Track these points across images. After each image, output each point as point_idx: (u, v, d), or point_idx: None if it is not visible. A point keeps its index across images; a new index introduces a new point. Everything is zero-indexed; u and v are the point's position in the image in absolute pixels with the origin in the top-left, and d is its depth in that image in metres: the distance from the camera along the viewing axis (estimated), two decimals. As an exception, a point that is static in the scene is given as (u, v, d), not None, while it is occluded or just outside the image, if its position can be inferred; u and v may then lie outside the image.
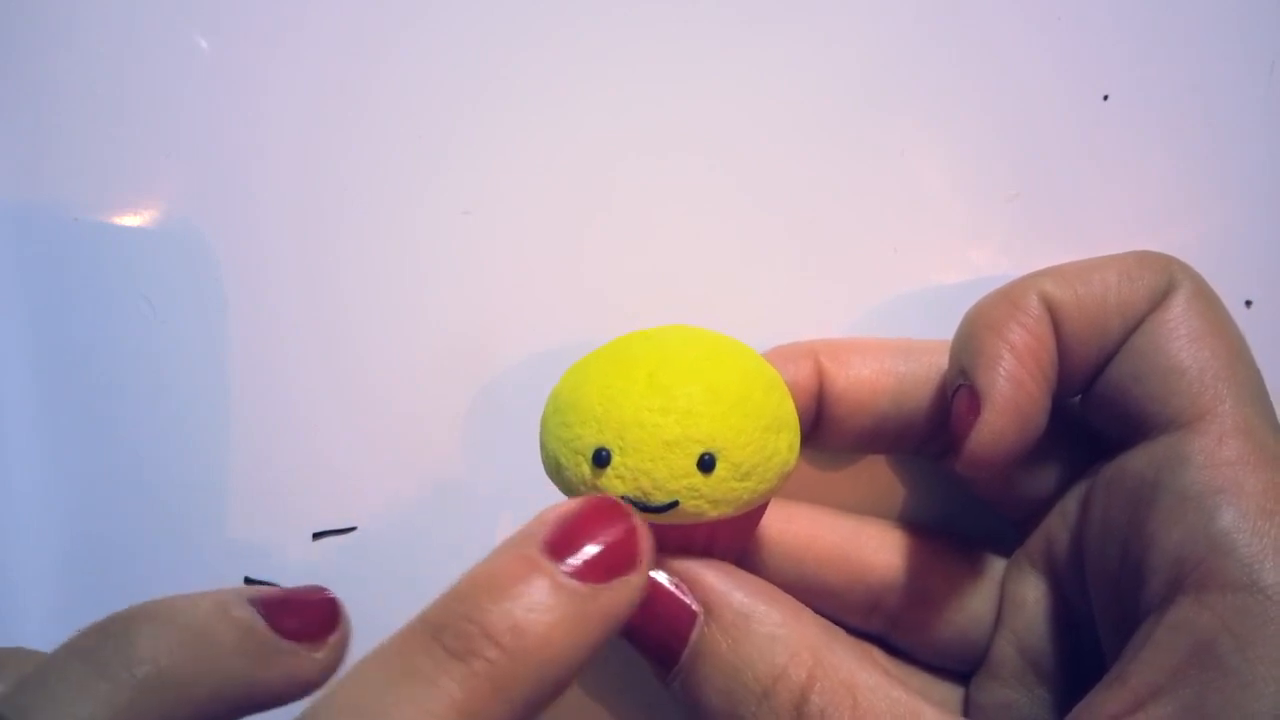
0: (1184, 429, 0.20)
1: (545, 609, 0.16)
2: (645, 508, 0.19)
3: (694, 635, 0.19)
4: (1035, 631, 0.23)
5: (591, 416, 0.20)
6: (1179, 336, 0.20)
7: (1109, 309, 0.21)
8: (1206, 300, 0.21)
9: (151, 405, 0.28)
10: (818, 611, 0.21)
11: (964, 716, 0.20)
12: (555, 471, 0.21)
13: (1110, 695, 0.18)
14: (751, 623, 0.19)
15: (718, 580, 0.20)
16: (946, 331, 0.25)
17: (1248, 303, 0.27)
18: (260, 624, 0.18)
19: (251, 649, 0.17)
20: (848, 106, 0.28)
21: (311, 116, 0.28)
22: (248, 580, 0.28)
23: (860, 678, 0.19)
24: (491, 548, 0.22)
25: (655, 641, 0.20)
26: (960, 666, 0.25)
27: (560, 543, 0.17)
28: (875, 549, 0.25)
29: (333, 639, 0.19)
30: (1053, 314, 0.21)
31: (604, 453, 0.19)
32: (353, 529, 0.28)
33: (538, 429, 0.22)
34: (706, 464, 0.19)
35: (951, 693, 0.25)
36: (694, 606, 0.20)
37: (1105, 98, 0.27)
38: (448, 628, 0.16)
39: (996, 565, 0.25)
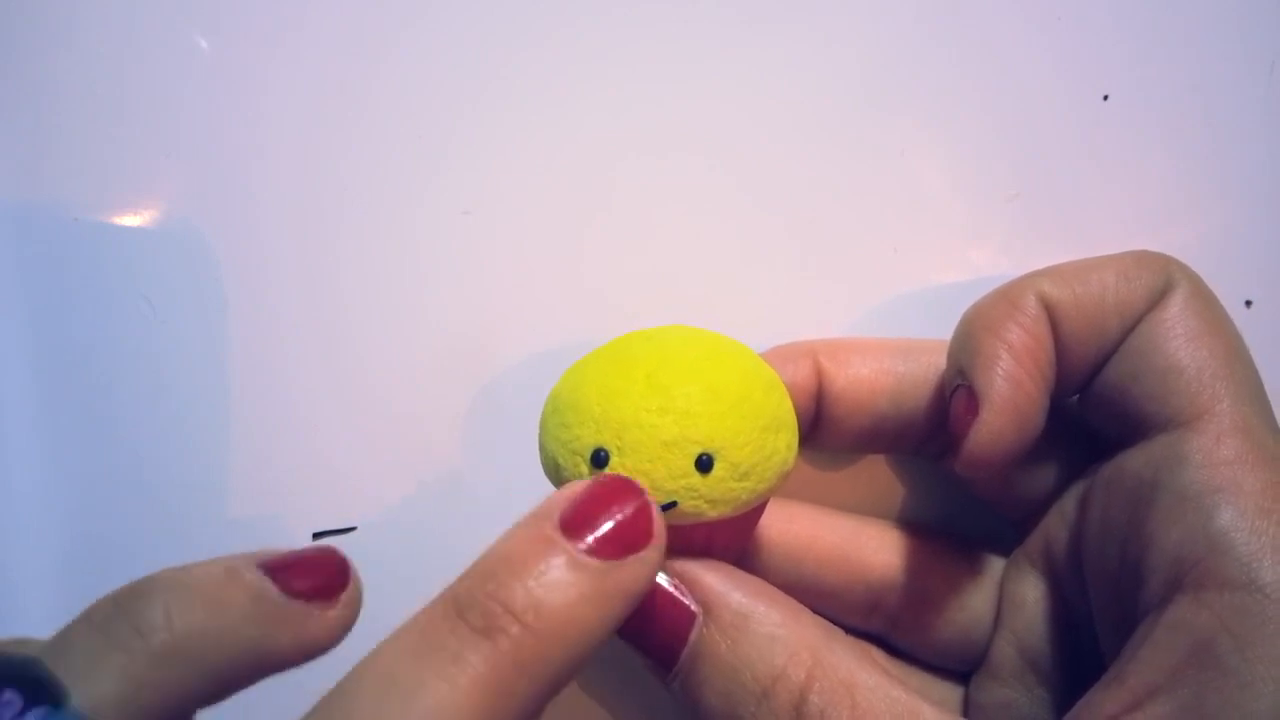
0: (1182, 428, 0.20)
1: (566, 585, 0.16)
2: None
3: (693, 636, 0.19)
4: (1035, 631, 0.23)
5: (590, 417, 0.20)
6: (1177, 336, 0.20)
7: (1107, 309, 0.21)
8: (1204, 300, 0.21)
9: (151, 405, 0.28)
10: (817, 612, 0.21)
11: (963, 716, 0.20)
12: (554, 472, 0.21)
13: (1109, 695, 0.18)
14: (750, 623, 0.19)
15: (716, 581, 0.20)
16: (946, 331, 0.25)
17: (1248, 303, 0.27)
18: (270, 587, 0.18)
19: (263, 613, 0.17)
20: (848, 106, 0.28)
21: (311, 116, 0.28)
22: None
23: (859, 677, 0.19)
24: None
25: (655, 642, 0.20)
26: (960, 666, 0.25)
27: (575, 521, 0.17)
28: (875, 549, 0.25)
29: (344, 596, 0.18)
30: (1051, 314, 0.21)
31: (602, 453, 0.19)
32: (353, 529, 0.28)
33: (537, 429, 0.22)
34: (705, 464, 0.19)
35: (951, 692, 0.25)
36: (693, 607, 0.20)
37: (1105, 98, 0.27)
38: (472, 606, 0.16)
39: (996, 565, 0.25)
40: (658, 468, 0.19)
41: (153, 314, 0.28)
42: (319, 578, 0.18)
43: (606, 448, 0.19)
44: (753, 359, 0.21)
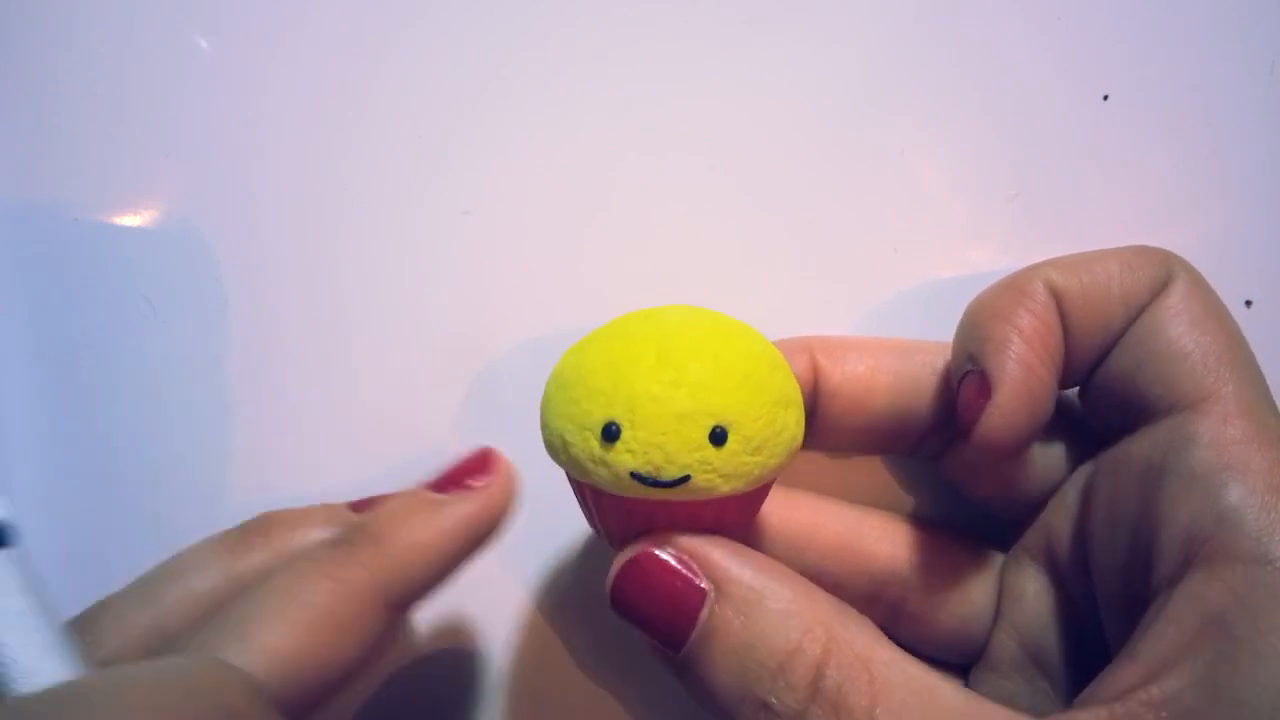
0: (1188, 411, 0.20)
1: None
2: (656, 482, 0.19)
3: (704, 614, 0.19)
4: (1035, 624, 0.23)
5: (599, 391, 0.20)
6: (1180, 322, 0.21)
7: (1112, 297, 0.21)
8: (1204, 290, 0.21)
9: (151, 405, 0.28)
10: None
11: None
12: (561, 449, 0.20)
13: (1122, 670, 0.18)
14: (763, 599, 0.19)
15: (726, 557, 0.19)
16: (947, 331, 0.25)
17: (1248, 303, 0.27)
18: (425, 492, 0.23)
19: (418, 507, 0.22)
20: (848, 106, 0.28)
21: (311, 116, 0.28)
22: None
23: (875, 652, 0.19)
24: (490, 548, 0.22)
25: (663, 622, 0.19)
26: (960, 659, 0.25)
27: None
28: (877, 539, 0.25)
29: (500, 469, 0.23)
30: (1058, 302, 0.22)
31: (614, 427, 0.19)
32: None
33: (539, 411, 0.21)
34: (719, 437, 0.19)
35: None
36: (703, 585, 0.19)
37: (1105, 98, 0.27)
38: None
39: (996, 559, 0.25)
40: (671, 440, 0.19)
41: (153, 314, 0.28)
42: (467, 471, 0.23)
43: (618, 421, 0.19)
44: (757, 336, 0.21)
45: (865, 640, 0.19)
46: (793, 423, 0.20)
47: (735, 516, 0.21)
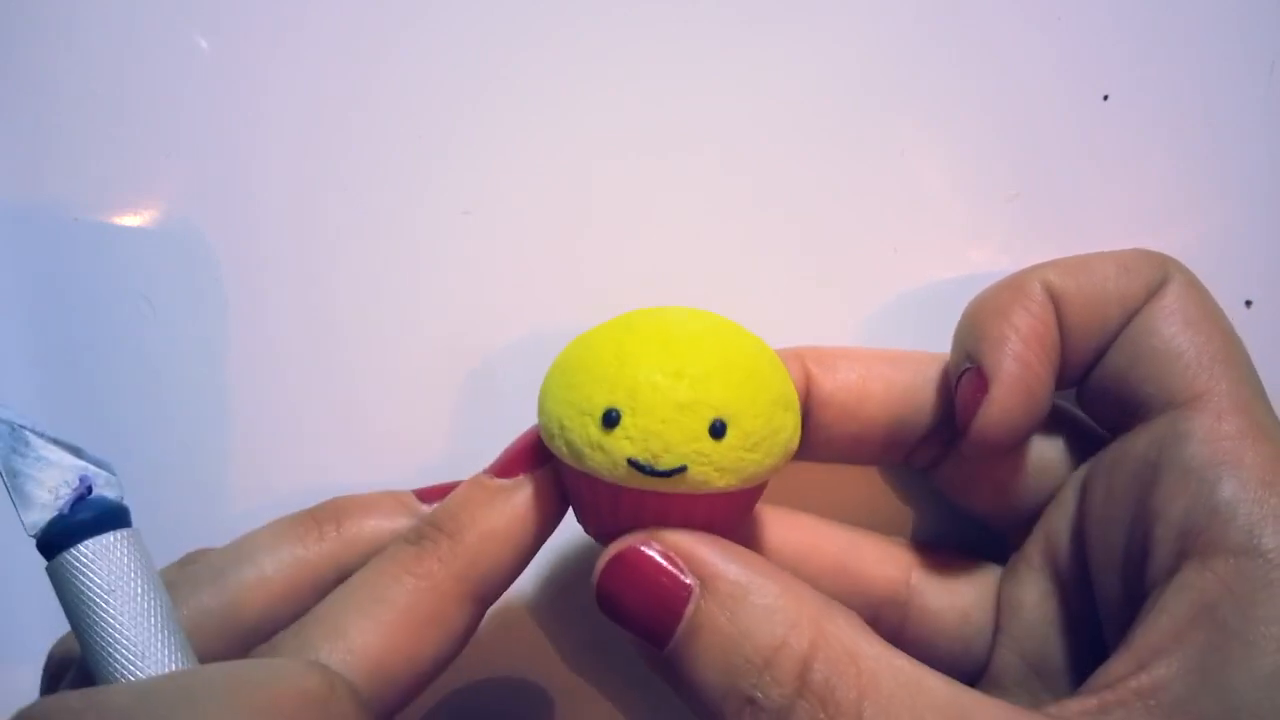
0: (1183, 408, 0.20)
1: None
2: (653, 471, 0.19)
3: (689, 609, 0.19)
4: (1036, 634, 0.23)
5: (601, 378, 0.20)
6: (1175, 322, 0.21)
7: (1109, 298, 0.22)
8: (1200, 291, 0.22)
9: (151, 405, 0.28)
10: None
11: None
12: (558, 434, 0.20)
13: (1114, 660, 0.19)
14: (749, 594, 0.19)
15: (712, 553, 0.19)
16: (946, 332, 0.25)
17: (1248, 303, 0.27)
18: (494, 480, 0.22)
19: (487, 497, 0.22)
20: (848, 106, 0.28)
21: (311, 116, 0.28)
22: None
23: (862, 647, 0.19)
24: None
25: (648, 618, 0.19)
26: (962, 678, 0.25)
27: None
28: (875, 561, 0.25)
29: (548, 466, 0.22)
30: (1055, 302, 0.22)
31: (614, 413, 0.19)
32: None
33: (537, 399, 0.21)
34: (718, 430, 0.19)
35: None
36: (689, 580, 0.19)
37: (1105, 98, 0.27)
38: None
39: (994, 574, 0.25)
40: (671, 429, 0.19)
41: (153, 314, 0.28)
42: (524, 451, 0.22)
43: (619, 408, 0.19)
44: (754, 337, 0.21)
45: (852, 634, 0.19)
46: (790, 425, 0.20)
47: (726, 517, 0.20)
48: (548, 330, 0.28)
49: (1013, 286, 0.22)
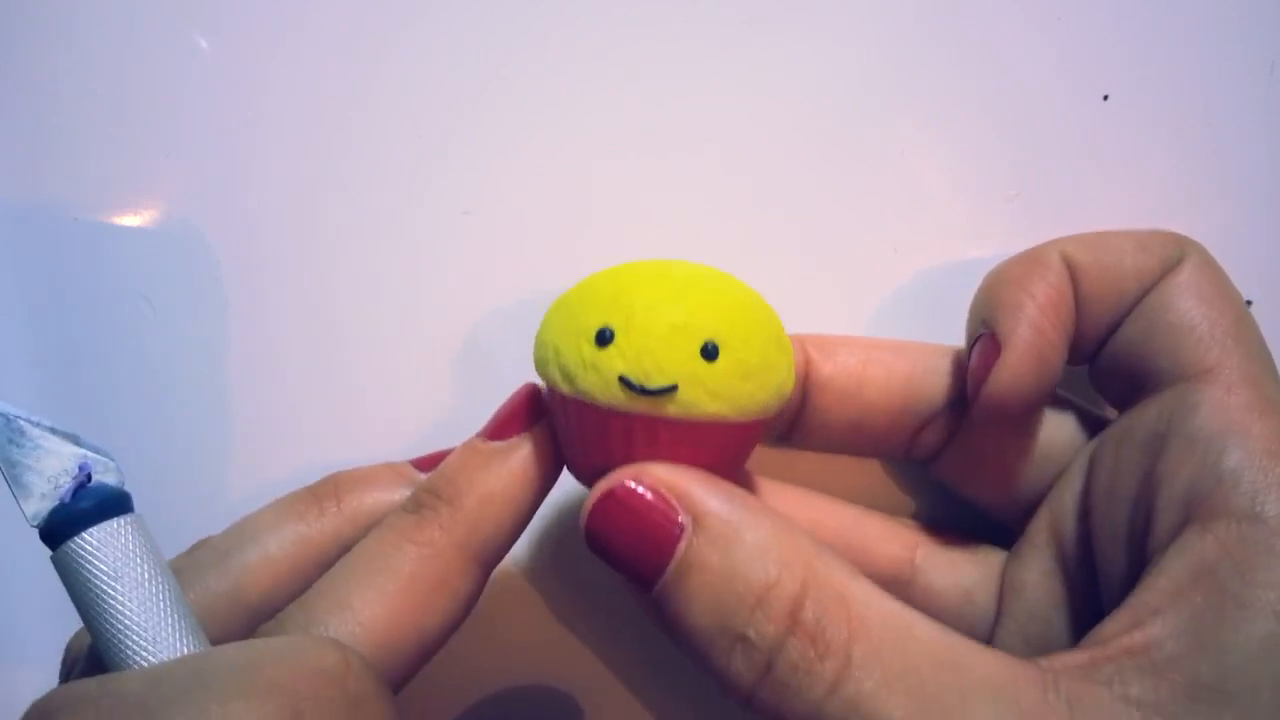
0: (1193, 380, 0.20)
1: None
2: (643, 390, 0.19)
3: (681, 548, 0.19)
4: (1037, 615, 0.23)
5: (597, 305, 0.20)
6: (1190, 296, 0.21)
7: (1125, 272, 0.22)
8: (1215, 268, 0.22)
9: (151, 405, 0.28)
10: None
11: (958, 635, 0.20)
12: (552, 358, 0.20)
13: (1111, 619, 0.19)
14: (742, 533, 0.19)
15: (704, 491, 0.19)
16: (946, 331, 0.25)
17: (1248, 303, 0.26)
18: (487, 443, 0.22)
19: (482, 461, 0.22)
20: (848, 106, 0.28)
21: (311, 116, 0.28)
22: None
23: (853, 589, 0.19)
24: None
25: (638, 557, 0.19)
26: None
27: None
28: (880, 539, 0.25)
29: (540, 425, 0.22)
30: (1072, 274, 0.22)
31: (607, 331, 0.19)
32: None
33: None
34: (710, 352, 0.19)
35: None
36: (680, 519, 0.19)
37: (1105, 98, 0.27)
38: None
39: (999, 558, 0.25)
40: (663, 348, 0.19)
41: (153, 314, 0.28)
42: (516, 411, 0.22)
43: (613, 327, 0.19)
44: (753, 290, 0.21)
45: (844, 576, 0.19)
46: (784, 366, 0.20)
47: (718, 455, 0.20)
48: (548, 330, 0.28)
49: (1031, 258, 0.22)
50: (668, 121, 0.28)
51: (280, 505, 0.23)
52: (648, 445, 0.20)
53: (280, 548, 0.22)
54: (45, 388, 0.29)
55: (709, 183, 0.28)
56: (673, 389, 0.19)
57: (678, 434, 0.19)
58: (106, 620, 0.17)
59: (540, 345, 0.21)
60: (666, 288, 0.20)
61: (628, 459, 0.20)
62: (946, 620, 0.24)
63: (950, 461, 0.25)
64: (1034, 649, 0.23)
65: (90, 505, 0.18)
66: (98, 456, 0.18)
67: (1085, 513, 0.22)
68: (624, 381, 0.19)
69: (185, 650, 0.17)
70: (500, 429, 0.22)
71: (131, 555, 0.18)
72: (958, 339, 0.25)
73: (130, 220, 0.29)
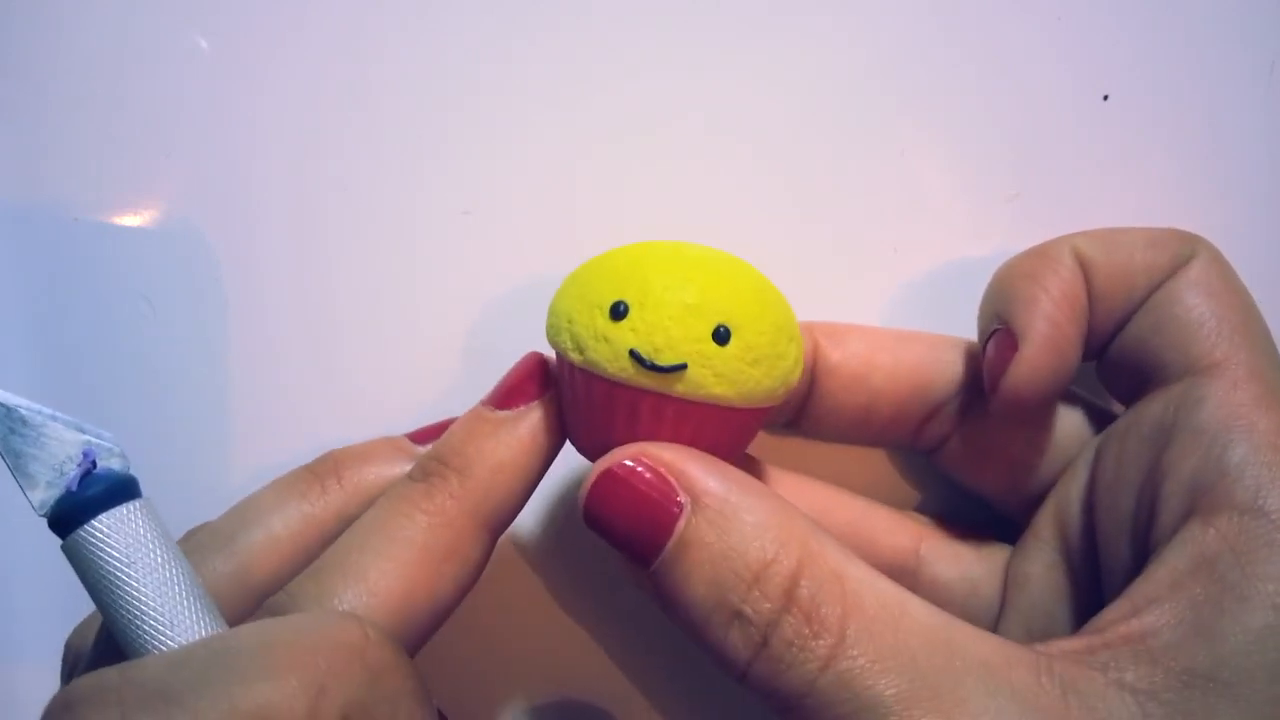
0: (1201, 374, 0.20)
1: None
2: (653, 366, 0.19)
3: (679, 526, 0.19)
4: (1041, 608, 0.23)
5: (616, 277, 0.20)
6: (1199, 292, 0.21)
7: (1136, 268, 0.22)
8: (1225, 266, 0.22)
9: (151, 405, 0.28)
10: None
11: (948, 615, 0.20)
12: (566, 327, 0.20)
13: (1110, 607, 0.19)
14: (740, 513, 0.19)
15: (703, 471, 0.19)
16: (946, 331, 0.25)
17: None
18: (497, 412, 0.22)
19: (491, 429, 0.22)
20: (848, 106, 0.28)
21: (311, 116, 0.28)
22: None
23: (848, 569, 0.19)
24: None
25: (637, 534, 0.19)
26: None
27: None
28: (885, 530, 0.25)
29: (547, 395, 0.22)
30: (1084, 269, 0.22)
31: (622, 305, 0.19)
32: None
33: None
34: (722, 335, 0.19)
35: None
36: (680, 497, 0.19)
37: (1105, 98, 0.27)
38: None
39: (1003, 552, 0.25)
40: (676, 326, 0.19)
41: (153, 314, 0.28)
42: (521, 379, 0.22)
43: (627, 301, 0.19)
44: (766, 277, 0.22)
45: (839, 556, 0.19)
46: (792, 355, 0.21)
47: (719, 438, 0.20)
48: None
49: (1042, 252, 0.23)
50: (668, 122, 0.28)
51: (280, 485, 0.23)
52: (651, 422, 0.20)
53: (285, 527, 0.22)
54: (46, 388, 0.29)
55: (709, 183, 0.28)
56: (682, 368, 0.19)
57: (682, 413, 0.20)
58: (122, 607, 0.17)
59: (553, 313, 0.21)
60: (684, 268, 0.20)
61: (630, 434, 0.20)
62: (951, 612, 0.24)
63: (956, 452, 0.25)
64: (1037, 642, 0.23)
65: (99, 492, 0.18)
66: (101, 442, 0.18)
67: (1090, 506, 0.22)
68: (634, 356, 0.19)
69: (203, 632, 0.17)
70: (507, 397, 0.22)
71: (144, 540, 0.17)
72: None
73: (130, 220, 0.29)
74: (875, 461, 0.28)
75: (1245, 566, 0.18)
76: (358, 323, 0.28)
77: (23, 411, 0.18)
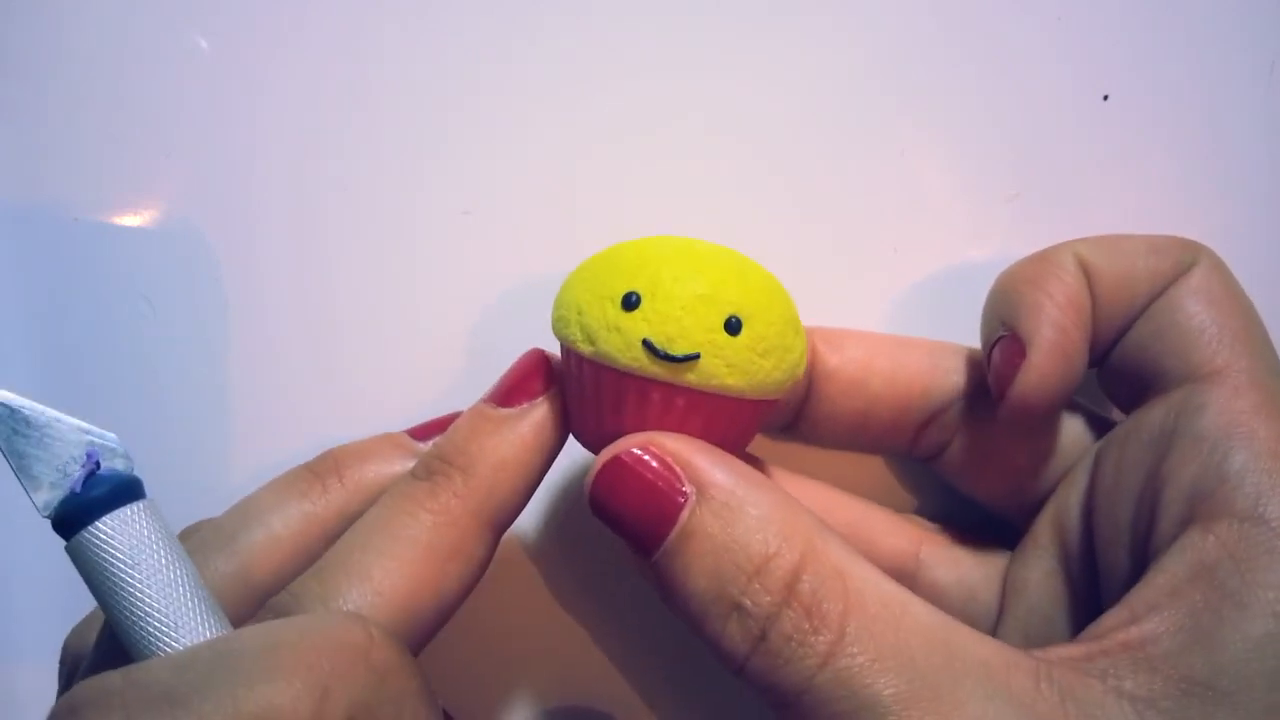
0: (1202, 381, 0.20)
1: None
2: (666, 355, 0.19)
3: (684, 516, 0.19)
4: (1038, 614, 0.23)
5: (625, 270, 0.20)
6: (1201, 300, 0.21)
7: (1138, 275, 0.22)
8: (1226, 273, 0.22)
9: (151, 405, 0.28)
10: None
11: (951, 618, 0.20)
12: (576, 318, 0.20)
13: (1109, 614, 0.19)
14: (745, 505, 0.19)
15: (709, 462, 0.19)
16: (946, 331, 0.25)
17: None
18: (499, 410, 0.22)
19: (494, 427, 0.22)
20: (848, 106, 0.28)
21: (311, 116, 0.28)
22: None
23: (851, 567, 0.19)
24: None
25: (641, 523, 0.19)
26: None
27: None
28: (885, 533, 0.25)
29: (549, 391, 0.22)
30: (1086, 275, 0.22)
31: (634, 296, 0.19)
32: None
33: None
34: (733, 326, 0.19)
35: None
36: (685, 488, 0.19)
37: (1105, 98, 0.27)
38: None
39: (1002, 558, 0.25)
40: (688, 317, 0.19)
41: (153, 314, 0.28)
42: (523, 376, 0.22)
43: (640, 292, 0.19)
44: (770, 273, 0.22)
45: (842, 554, 0.19)
46: (798, 348, 0.21)
47: (726, 430, 0.20)
48: (549, 330, 0.28)
49: (1045, 258, 0.23)
50: (667, 122, 0.28)
51: (280, 484, 0.23)
52: (661, 412, 0.20)
53: (286, 526, 0.22)
54: (46, 388, 0.29)
55: (709, 183, 0.28)
56: (695, 357, 0.19)
57: (692, 404, 0.20)
58: (126, 608, 0.17)
59: (561, 305, 0.21)
60: (693, 261, 0.20)
61: (639, 424, 0.20)
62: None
63: (955, 459, 0.25)
64: (1035, 648, 0.23)
65: (103, 493, 0.17)
66: (105, 443, 0.18)
67: (1089, 512, 0.22)
68: (647, 345, 0.19)
69: (208, 634, 0.17)
70: (510, 394, 0.22)
71: (148, 541, 0.17)
72: (958, 339, 0.25)
73: (130, 220, 0.29)
74: (874, 465, 0.28)
75: (1245, 574, 0.18)
76: (358, 323, 0.28)
77: (26, 412, 0.18)
